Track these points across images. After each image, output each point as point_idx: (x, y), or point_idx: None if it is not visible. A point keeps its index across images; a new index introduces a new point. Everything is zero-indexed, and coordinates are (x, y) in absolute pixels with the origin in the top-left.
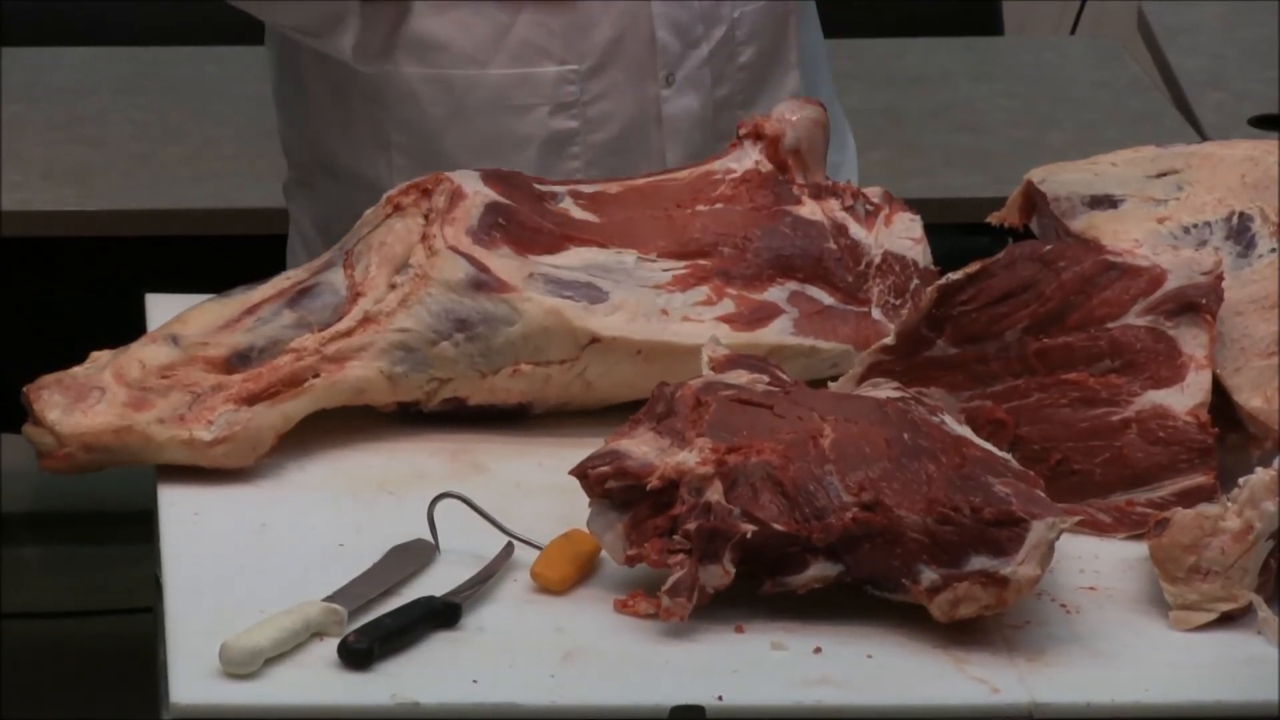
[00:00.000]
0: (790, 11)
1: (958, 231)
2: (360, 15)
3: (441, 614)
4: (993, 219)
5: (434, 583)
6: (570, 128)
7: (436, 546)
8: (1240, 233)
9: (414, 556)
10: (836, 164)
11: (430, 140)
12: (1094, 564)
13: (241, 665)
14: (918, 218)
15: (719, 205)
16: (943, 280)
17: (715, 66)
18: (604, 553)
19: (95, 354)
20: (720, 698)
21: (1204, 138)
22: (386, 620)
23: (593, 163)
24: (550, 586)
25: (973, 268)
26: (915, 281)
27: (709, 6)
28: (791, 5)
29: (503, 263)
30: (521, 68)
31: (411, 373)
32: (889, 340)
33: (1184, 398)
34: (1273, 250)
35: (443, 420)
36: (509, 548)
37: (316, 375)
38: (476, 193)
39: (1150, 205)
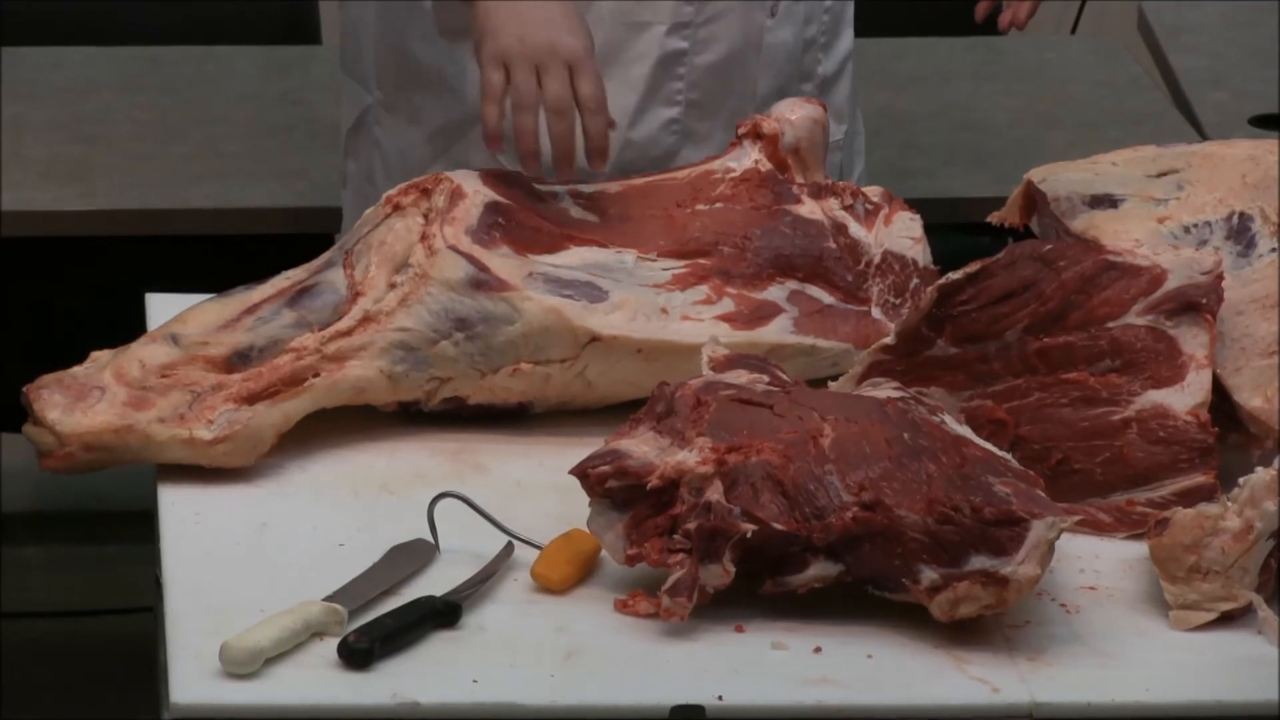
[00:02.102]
0: None
1: (958, 231)
2: None
3: (442, 614)
4: (993, 218)
5: (434, 582)
6: (681, 48)
7: (437, 546)
8: (1240, 232)
9: (414, 556)
10: (853, 132)
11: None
12: (1094, 564)
13: (242, 665)
14: (918, 217)
15: (719, 204)
16: (943, 280)
17: (808, 4)
18: (604, 552)
19: (95, 353)
20: (720, 697)
21: (1204, 137)
22: (387, 620)
23: (695, 84)
24: (550, 586)
25: (973, 267)
26: (915, 281)
27: None
28: None
29: (502, 262)
30: None
31: (412, 372)
32: (889, 340)
33: (1184, 397)
34: (1273, 250)
35: (443, 420)
36: (509, 547)
37: (317, 374)
38: (476, 192)
39: (1151, 205)
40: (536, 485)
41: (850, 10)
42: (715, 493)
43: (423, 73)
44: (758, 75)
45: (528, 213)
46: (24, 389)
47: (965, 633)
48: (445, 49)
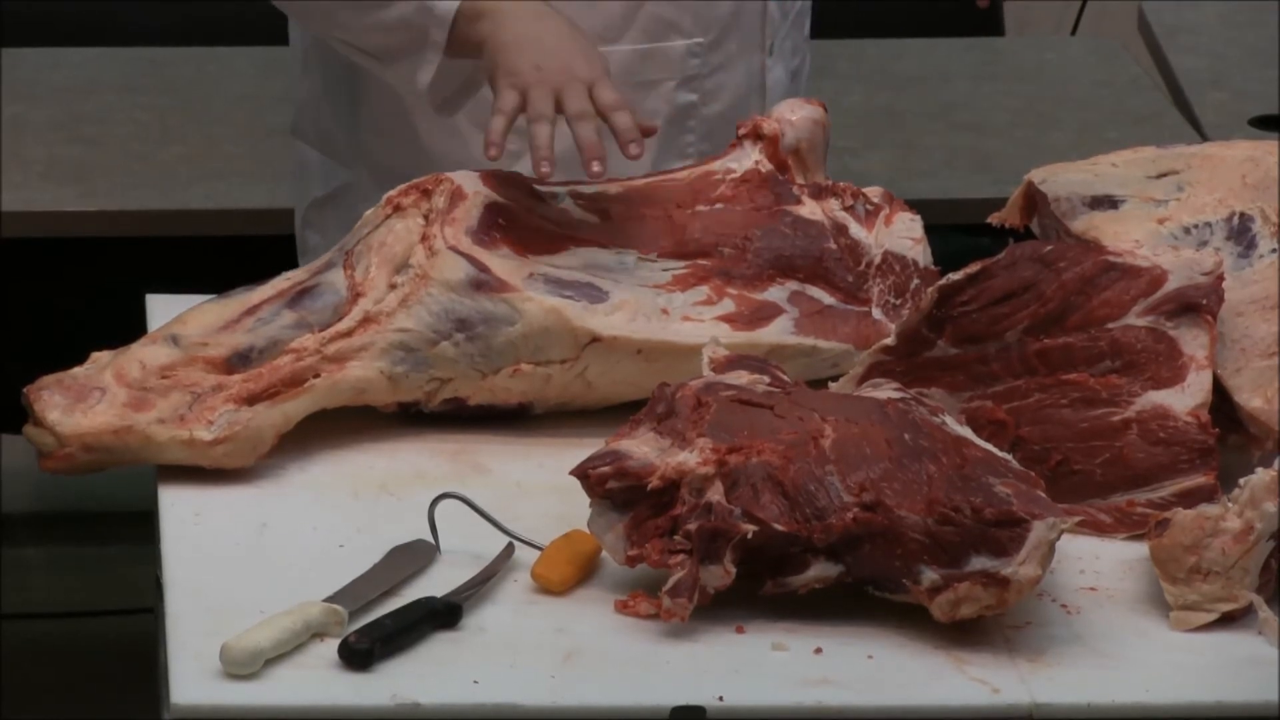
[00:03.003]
0: None
1: (958, 232)
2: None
3: (442, 614)
4: (993, 219)
5: (434, 583)
6: (691, 101)
7: (437, 547)
8: (1241, 233)
9: (414, 557)
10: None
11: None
12: (1095, 564)
13: (242, 666)
14: (918, 218)
15: (719, 205)
16: (943, 280)
17: (793, 37)
18: (604, 553)
19: (96, 354)
20: (721, 698)
21: (1204, 138)
22: (387, 621)
23: (706, 135)
24: (551, 587)
25: (973, 268)
26: (916, 281)
27: None
28: None
29: (503, 262)
30: (651, 42)
31: (412, 373)
32: (889, 340)
33: (1184, 398)
34: (1273, 251)
35: (443, 420)
36: (509, 548)
37: (317, 375)
38: (476, 193)
39: (1151, 206)
40: (537, 486)
41: (806, 26)
42: (716, 493)
43: (432, 157)
44: None
45: (528, 213)
46: (24, 390)
47: (966, 633)
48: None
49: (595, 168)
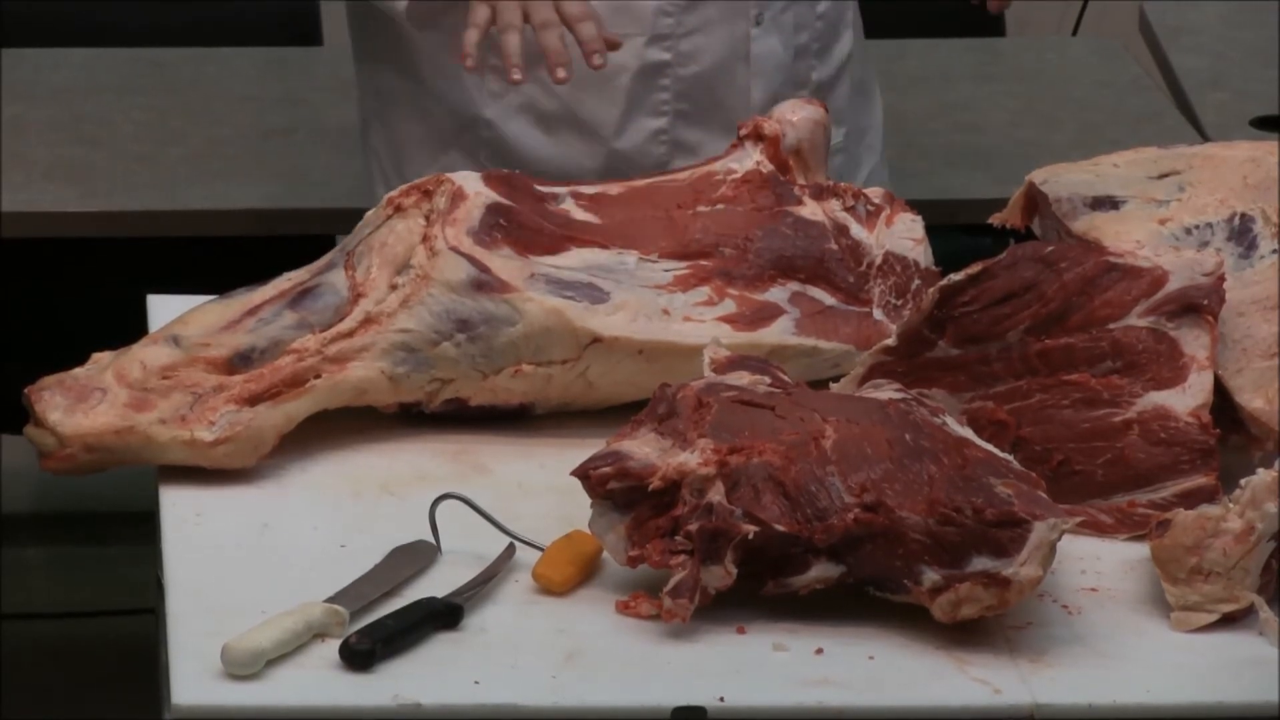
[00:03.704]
0: None
1: (959, 232)
2: None
3: (443, 615)
4: (994, 220)
5: (435, 584)
6: (663, 59)
7: (438, 547)
8: (1242, 234)
9: (415, 557)
10: (864, 128)
11: (530, 64)
12: (1096, 565)
13: (243, 666)
14: (919, 218)
15: (720, 206)
16: (944, 281)
17: (798, 12)
18: (606, 554)
19: (96, 355)
20: (722, 699)
21: (1205, 139)
22: (388, 621)
23: (682, 95)
24: (552, 587)
25: (974, 269)
26: (916, 282)
27: None
28: None
29: (504, 263)
30: None
31: (413, 373)
32: (891, 341)
33: (1186, 399)
34: (1274, 251)
35: (444, 421)
36: (511, 549)
37: (318, 376)
38: (478, 194)
39: (1152, 206)
40: (538, 486)
41: (849, 13)
42: (717, 494)
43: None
44: (749, 85)
45: (529, 214)
46: (25, 390)
47: (967, 634)
48: None
49: (560, 73)
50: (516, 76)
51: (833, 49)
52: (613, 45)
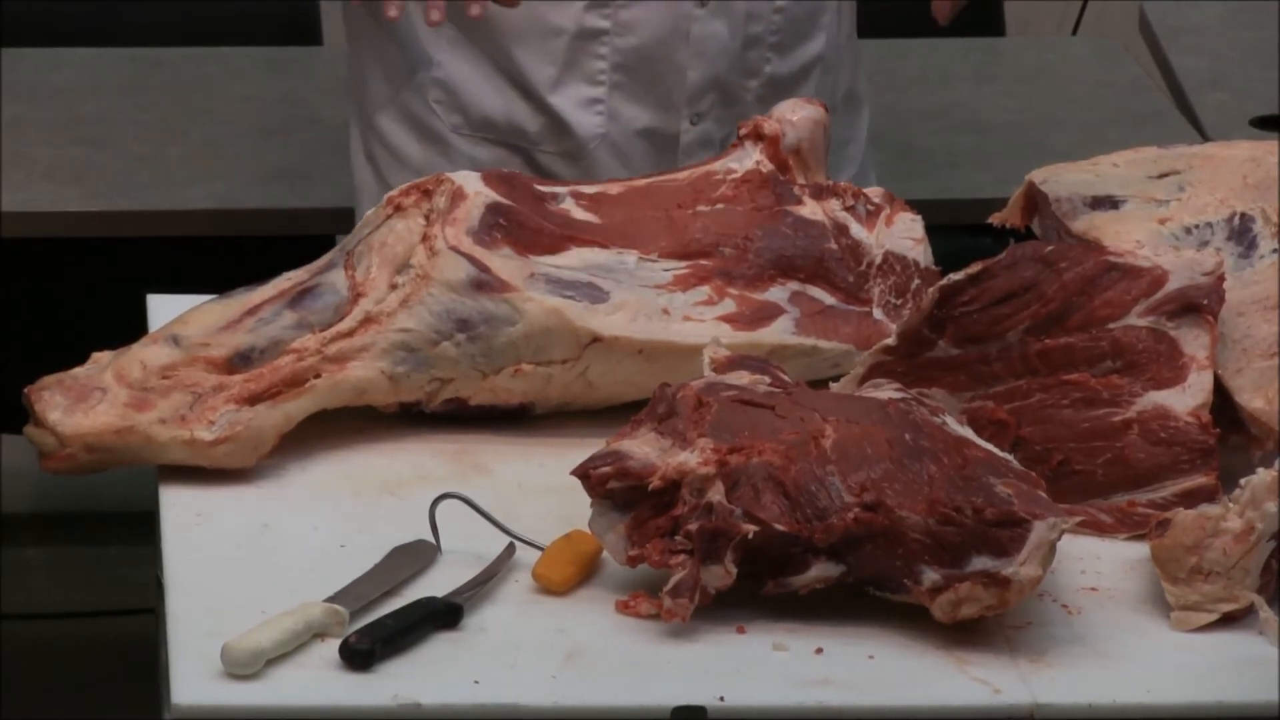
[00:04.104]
0: None
1: (959, 232)
2: None
3: (443, 615)
4: (994, 220)
5: (435, 583)
6: (600, 26)
7: (438, 547)
8: (1242, 233)
9: (415, 557)
10: (845, 139)
11: (473, 21)
12: (1095, 565)
13: (243, 666)
14: (919, 218)
15: (720, 205)
16: (944, 281)
17: (757, 4)
18: (605, 553)
19: (96, 355)
20: (722, 698)
21: (1205, 138)
22: (388, 621)
23: (618, 65)
24: (552, 587)
25: (974, 268)
26: (916, 282)
27: None
28: None
29: (504, 263)
30: None
31: (413, 373)
32: (890, 341)
33: (1185, 398)
34: (1274, 251)
35: (444, 421)
36: (510, 548)
37: (318, 375)
38: (477, 193)
39: (1152, 206)
40: (538, 486)
41: (825, 16)
42: (717, 494)
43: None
44: (686, 65)
45: (529, 214)
46: (25, 390)
47: (967, 634)
48: None
49: (434, 15)
50: (436, 17)
51: (797, 47)
52: (509, 1)
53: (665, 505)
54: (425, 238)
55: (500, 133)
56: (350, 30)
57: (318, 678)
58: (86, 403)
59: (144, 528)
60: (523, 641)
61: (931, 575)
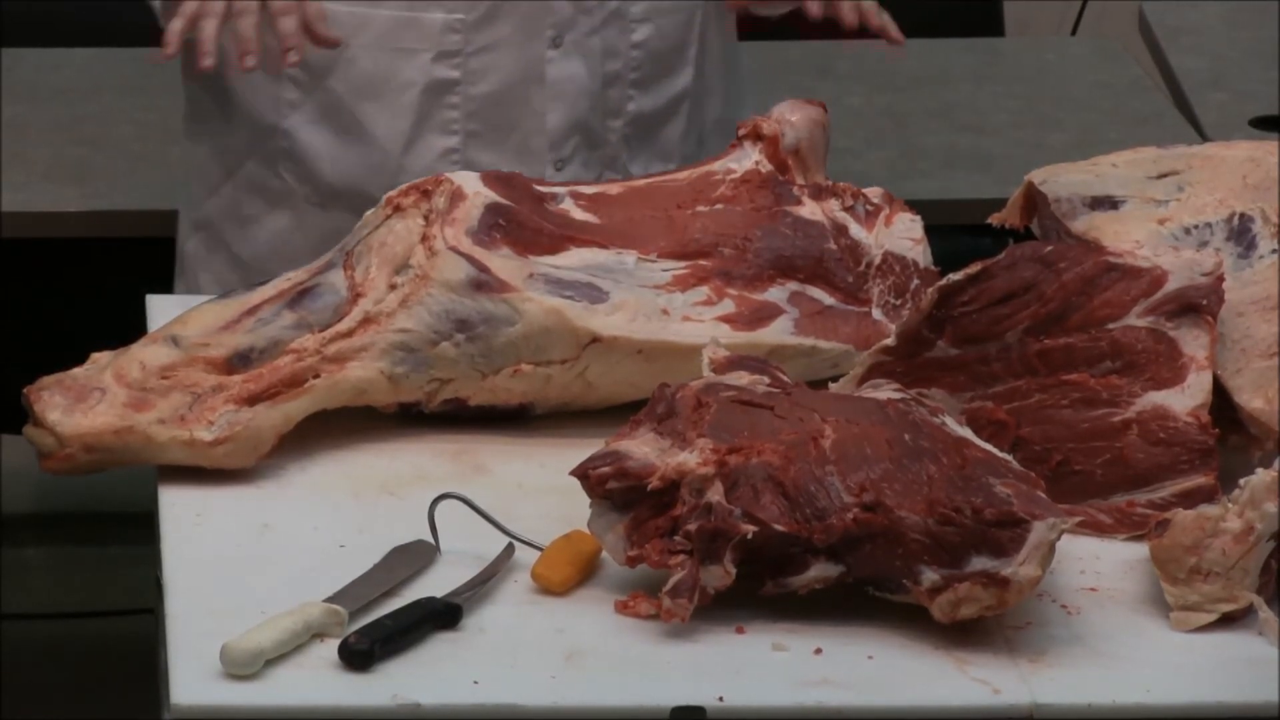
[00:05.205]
0: (696, 7)
1: (959, 232)
2: None
3: (442, 615)
4: (994, 220)
5: (435, 584)
6: (452, 77)
7: (437, 547)
8: (1241, 234)
9: (415, 557)
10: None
11: (319, 75)
12: (1095, 565)
13: (242, 666)
14: (918, 218)
15: (719, 206)
16: (943, 281)
17: (606, 38)
18: (605, 553)
19: (96, 355)
20: (721, 699)
21: (1205, 139)
22: (387, 621)
23: (472, 114)
24: (551, 587)
25: (974, 269)
26: (916, 282)
27: None
28: (696, 5)
29: (503, 263)
30: (409, 11)
31: (412, 373)
32: (890, 341)
33: (1185, 399)
34: (1274, 251)
35: (444, 421)
36: (510, 548)
37: (317, 376)
38: (477, 193)
39: (1151, 206)
40: (537, 486)
41: (691, 50)
42: (716, 494)
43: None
44: (544, 109)
45: (528, 214)
46: (24, 390)
47: (966, 634)
48: None
49: (248, 61)
50: (206, 63)
51: (661, 82)
52: (330, 43)
53: (664, 505)
54: (424, 238)
55: (350, 194)
56: (192, 111)
57: (317, 678)
58: (86, 403)
59: (144, 528)
60: (522, 642)
61: (931, 575)
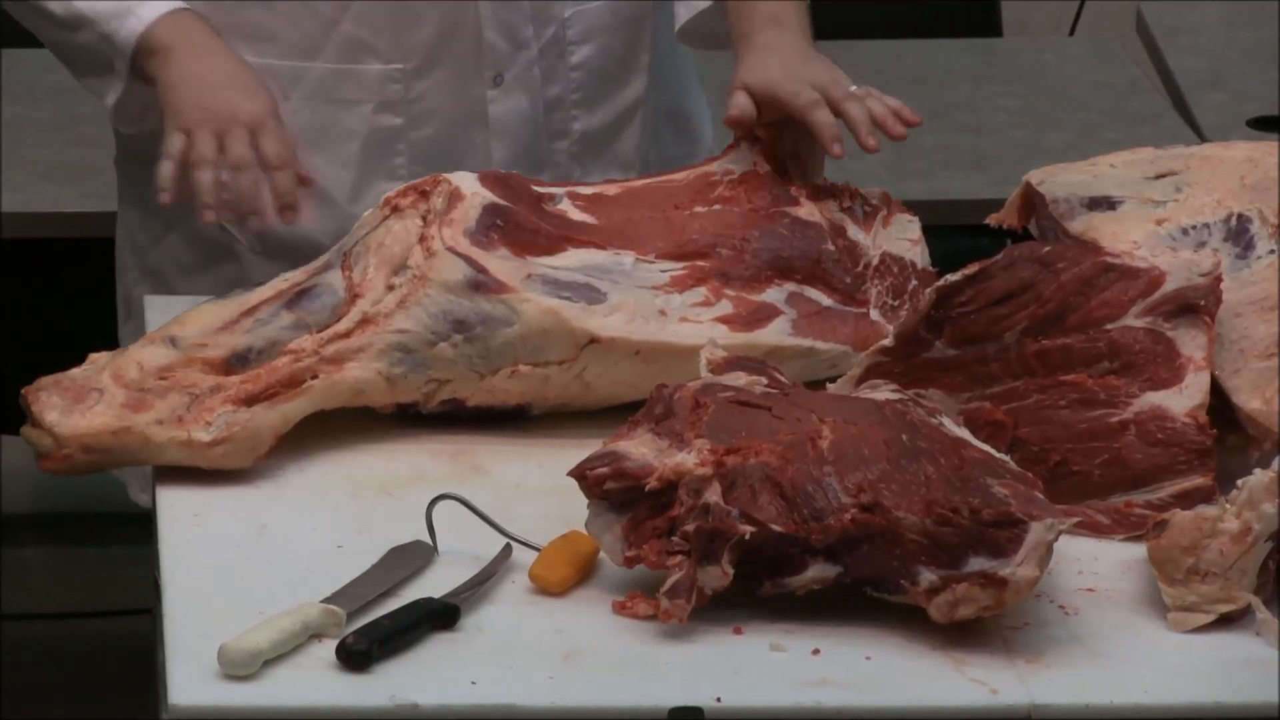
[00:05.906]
0: (644, 15)
1: (957, 233)
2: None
3: (440, 615)
4: (992, 220)
5: (433, 584)
6: (395, 125)
7: (435, 548)
8: (1239, 234)
9: (413, 558)
10: (685, 155)
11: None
12: (1093, 565)
13: (240, 666)
14: (916, 219)
15: (717, 206)
16: (941, 282)
17: (545, 66)
18: (603, 554)
19: (94, 355)
20: (719, 699)
21: (1203, 139)
22: (385, 621)
23: (417, 159)
24: (549, 588)
25: (972, 269)
26: (914, 283)
27: (539, 6)
28: (645, 7)
29: (501, 264)
30: (347, 63)
31: (410, 374)
32: (888, 342)
33: (1183, 399)
34: (1271, 252)
35: (442, 421)
36: (507, 549)
37: (315, 376)
38: (475, 194)
39: (1149, 207)
40: (535, 487)
41: (643, 55)
42: (713, 494)
43: None
44: (489, 145)
45: (526, 215)
46: (22, 391)
47: (964, 634)
48: None
49: (254, 222)
50: (209, 216)
51: (609, 98)
52: (306, 182)
53: (662, 506)
54: (423, 238)
55: (296, 245)
56: (125, 159)
57: (315, 678)
58: (84, 403)
59: (144, 528)
60: (520, 642)
61: (929, 576)
